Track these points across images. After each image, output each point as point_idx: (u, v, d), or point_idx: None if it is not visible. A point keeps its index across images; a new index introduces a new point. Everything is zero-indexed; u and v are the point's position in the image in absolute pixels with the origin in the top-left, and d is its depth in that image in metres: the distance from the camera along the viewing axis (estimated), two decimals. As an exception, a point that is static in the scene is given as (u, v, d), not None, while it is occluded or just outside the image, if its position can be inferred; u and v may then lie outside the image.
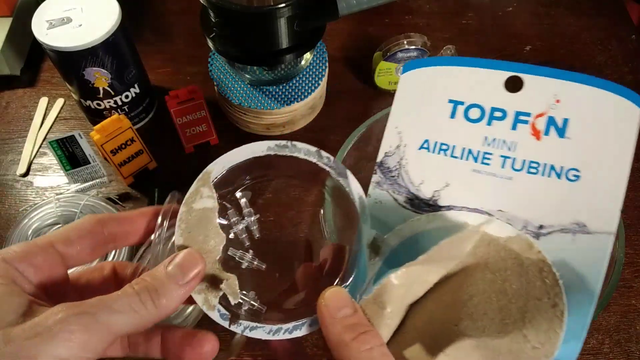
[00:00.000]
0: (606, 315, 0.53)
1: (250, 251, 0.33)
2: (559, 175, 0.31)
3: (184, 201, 0.30)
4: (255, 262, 0.33)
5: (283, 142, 0.32)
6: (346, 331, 0.27)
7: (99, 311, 0.23)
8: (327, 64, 0.65)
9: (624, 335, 0.52)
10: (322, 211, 0.40)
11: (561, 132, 0.31)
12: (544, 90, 0.32)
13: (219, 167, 0.31)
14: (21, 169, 0.64)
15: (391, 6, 0.79)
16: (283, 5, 0.51)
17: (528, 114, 0.32)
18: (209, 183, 0.31)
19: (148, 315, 0.25)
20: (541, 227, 0.31)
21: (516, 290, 0.30)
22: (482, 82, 0.33)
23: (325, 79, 0.65)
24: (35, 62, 0.74)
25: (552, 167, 0.31)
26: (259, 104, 0.61)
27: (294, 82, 0.63)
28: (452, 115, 0.34)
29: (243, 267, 0.32)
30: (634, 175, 0.61)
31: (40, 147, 0.66)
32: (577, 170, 0.31)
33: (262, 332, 0.29)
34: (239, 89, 0.63)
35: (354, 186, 0.33)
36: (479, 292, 0.30)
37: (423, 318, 0.31)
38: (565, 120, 0.31)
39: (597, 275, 0.29)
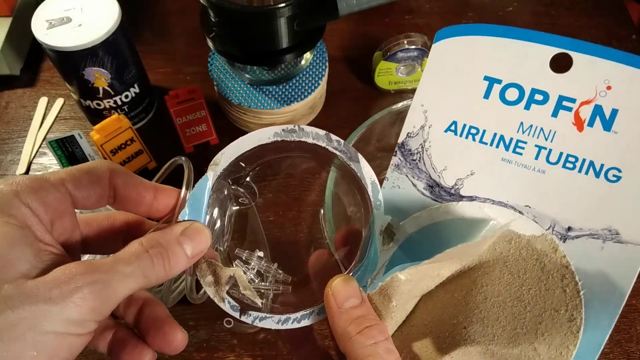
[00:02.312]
0: (606, 315, 0.53)
1: (257, 252, 0.33)
2: (597, 174, 0.28)
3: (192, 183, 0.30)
4: (264, 261, 0.33)
5: (290, 127, 0.31)
6: (351, 323, 0.26)
7: (112, 277, 0.23)
8: (327, 64, 0.65)
9: (624, 335, 0.52)
10: (322, 211, 0.40)
11: (607, 125, 0.28)
12: (594, 73, 0.28)
13: (225, 157, 0.30)
14: (21, 169, 0.64)
15: (391, 6, 0.79)
16: (283, 5, 0.51)
17: (573, 100, 0.29)
18: (214, 176, 0.30)
19: (156, 280, 0.25)
20: (569, 229, 0.29)
21: (533, 297, 0.28)
22: (525, 58, 0.29)
23: (325, 78, 0.65)
24: (35, 62, 0.74)
25: (592, 164, 0.28)
26: (259, 104, 0.61)
27: (294, 82, 0.63)
28: (486, 95, 0.30)
29: (251, 266, 0.33)
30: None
31: (40, 147, 0.66)
32: (618, 170, 0.28)
33: (271, 322, 0.29)
34: (238, 88, 0.63)
35: (366, 170, 0.31)
36: (494, 294, 0.29)
37: (433, 314, 0.30)
38: (614, 111, 0.28)
39: (622, 291, 0.27)
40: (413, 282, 0.28)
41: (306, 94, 0.62)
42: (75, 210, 0.28)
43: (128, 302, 0.29)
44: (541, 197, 0.29)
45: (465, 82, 0.31)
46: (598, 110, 0.28)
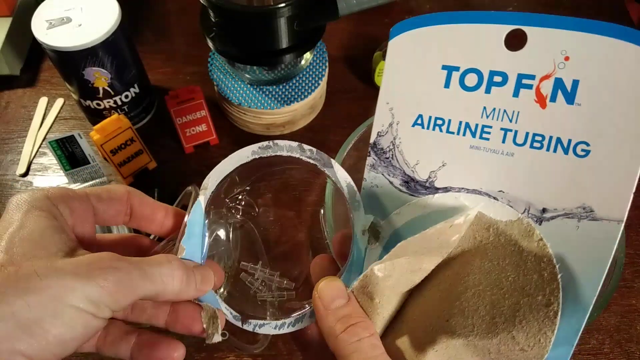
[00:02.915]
0: (606, 315, 0.53)
1: (260, 263, 0.35)
2: (566, 150, 0.28)
3: (180, 230, 0.31)
4: (267, 272, 0.35)
5: (265, 143, 0.32)
6: (337, 322, 0.27)
7: (135, 270, 0.25)
8: (327, 64, 0.65)
9: (624, 335, 0.52)
10: (322, 211, 0.40)
11: (570, 98, 0.27)
12: (550, 46, 0.28)
13: (212, 181, 0.31)
14: (21, 169, 0.64)
15: (391, 6, 0.79)
16: (283, 5, 0.51)
17: (532, 77, 0.28)
18: (202, 202, 0.31)
19: (171, 292, 0.26)
20: (544, 210, 0.28)
21: (512, 283, 0.28)
22: (479, 40, 0.29)
23: (325, 79, 0.65)
24: (35, 62, 0.74)
25: (559, 140, 0.28)
26: (259, 104, 0.61)
27: (294, 82, 0.63)
28: (447, 85, 0.30)
29: (256, 277, 0.35)
30: (634, 175, 0.61)
31: (40, 147, 0.66)
32: (586, 144, 0.27)
33: (269, 328, 0.31)
34: (238, 89, 0.63)
35: (340, 174, 0.32)
36: (475, 283, 0.28)
37: (420, 308, 0.30)
38: (575, 82, 0.27)
39: (600, 271, 0.26)
40: (393, 277, 0.28)
41: (306, 94, 0.62)
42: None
43: (157, 302, 0.30)
44: (513, 181, 0.29)
45: (425, 74, 0.31)
46: (559, 84, 0.27)
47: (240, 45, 0.56)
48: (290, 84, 0.63)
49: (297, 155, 0.32)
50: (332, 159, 0.32)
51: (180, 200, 0.34)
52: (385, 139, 0.32)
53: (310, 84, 0.63)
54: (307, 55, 0.62)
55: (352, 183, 0.32)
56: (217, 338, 0.29)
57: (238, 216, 0.36)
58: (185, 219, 0.30)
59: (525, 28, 0.28)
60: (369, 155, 0.33)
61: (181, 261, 0.27)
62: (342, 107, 0.69)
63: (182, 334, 0.29)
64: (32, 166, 0.64)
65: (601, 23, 0.26)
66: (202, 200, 0.30)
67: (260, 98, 0.62)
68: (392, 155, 0.32)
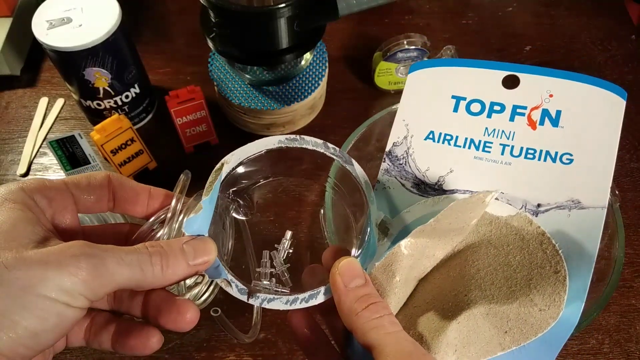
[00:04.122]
0: (606, 315, 0.53)
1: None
2: (554, 160, 0.34)
3: (204, 191, 0.31)
4: (283, 267, 0.36)
5: (292, 136, 0.34)
6: (357, 301, 0.28)
7: (109, 258, 0.24)
8: (327, 64, 0.65)
9: (624, 335, 0.52)
10: (322, 211, 0.40)
11: (555, 122, 0.35)
12: (538, 87, 0.36)
13: (235, 158, 0.33)
14: (21, 169, 0.64)
15: (391, 6, 0.79)
16: (283, 5, 0.51)
17: (524, 107, 0.36)
18: (224, 173, 0.32)
19: (152, 278, 0.26)
20: (539, 205, 0.34)
21: (519, 261, 0.32)
22: (482, 80, 0.37)
23: (325, 79, 0.65)
24: (35, 62, 0.74)
25: (548, 153, 0.34)
26: (259, 104, 0.62)
27: (294, 82, 0.63)
28: (455, 110, 0.37)
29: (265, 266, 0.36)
30: (634, 175, 0.61)
31: (40, 147, 0.66)
32: (570, 154, 0.34)
33: (279, 303, 0.30)
34: (239, 89, 0.63)
35: (359, 171, 0.35)
36: (485, 265, 0.33)
37: (433, 292, 0.33)
38: (558, 112, 0.35)
39: (594, 244, 0.32)
40: (414, 257, 0.32)
41: (306, 94, 0.62)
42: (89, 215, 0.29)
43: (132, 292, 0.30)
44: (511, 184, 0.35)
45: (437, 101, 0.38)
46: (546, 113, 0.35)
47: (241, 45, 0.56)
48: (290, 84, 0.63)
49: (322, 151, 0.35)
50: (352, 158, 0.35)
51: (177, 185, 0.34)
52: (400, 148, 0.38)
53: (310, 84, 0.63)
54: (307, 56, 0.62)
55: (369, 181, 0.35)
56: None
57: (241, 209, 0.37)
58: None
59: (518, 74, 0.36)
60: (384, 161, 0.38)
61: (159, 245, 0.27)
62: (342, 107, 0.69)
63: (165, 328, 0.28)
64: (33, 166, 0.64)
65: (574, 74, 0.35)
66: (224, 171, 0.32)
67: (260, 98, 0.62)
68: (406, 161, 0.37)
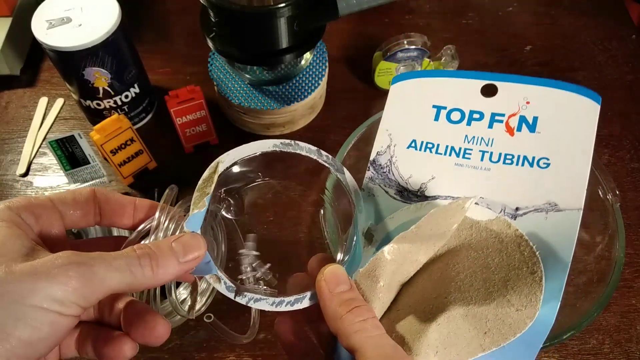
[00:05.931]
0: (606, 315, 0.53)
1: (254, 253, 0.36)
2: (531, 164, 0.35)
3: (197, 187, 0.32)
4: (263, 269, 0.35)
5: (287, 141, 0.35)
6: (342, 305, 0.29)
7: (97, 264, 0.25)
8: (327, 64, 0.65)
9: (624, 335, 0.52)
10: (322, 211, 0.40)
11: (532, 128, 0.36)
12: (515, 94, 0.37)
13: (229, 158, 0.33)
14: (21, 169, 0.64)
15: (391, 6, 0.79)
16: (283, 5, 0.51)
17: (502, 115, 0.37)
18: (218, 173, 0.33)
19: (143, 279, 0.26)
20: (517, 209, 0.35)
21: (498, 264, 0.33)
22: (461, 90, 0.38)
23: (325, 79, 0.65)
24: (35, 62, 0.74)
25: (525, 158, 0.35)
26: (259, 104, 0.61)
27: (294, 82, 0.63)
28: (436, 118, 0.38)
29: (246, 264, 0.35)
30: (634, 175, 0.61)
31: (40, 147, 0.66)
32: (547, 158, 0.35)
33: (265, 303, 0.31)
34: (239, 89, 0.63)
35: (349, 180, 0.36)
36: (465, 268, 0.33)
37: (415, 296, 0.33)
38: (535, 118, 0.36)
39: (570, 244, 0.32)
40: (397, 262, 0.32)
41: (306, 94, 0.62)
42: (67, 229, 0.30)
43: (112, 303, 0.31)
44: (491, 189, 0.36)
45: (419, 110, 0.39)
46: (523, 119, 0.36)
47: (240, 45, 0.56)
48: (290, 84, 0.63)
49: (315, 158, 0.35)
50: (343, 167, 0.36)
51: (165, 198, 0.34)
52: (383, 157, 0.39)
53: (310, 84, 0.63)
54: (307, 55, 0.62)
55: (359, 190, 0.36)
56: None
57: (231, 208, 0.37)
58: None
59: (496, 83, 0.37)
60: (368, 170, 0.39)
61: (147, 247, 0.27)
62: (342, 107, 0.69)
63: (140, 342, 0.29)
64: (32, 166, 0.64)
65: (550, 80, 0.36)
66: (220, 168, 0.32)
67: (260, 98, 0.62)
68: (389, 170, 0.38)
